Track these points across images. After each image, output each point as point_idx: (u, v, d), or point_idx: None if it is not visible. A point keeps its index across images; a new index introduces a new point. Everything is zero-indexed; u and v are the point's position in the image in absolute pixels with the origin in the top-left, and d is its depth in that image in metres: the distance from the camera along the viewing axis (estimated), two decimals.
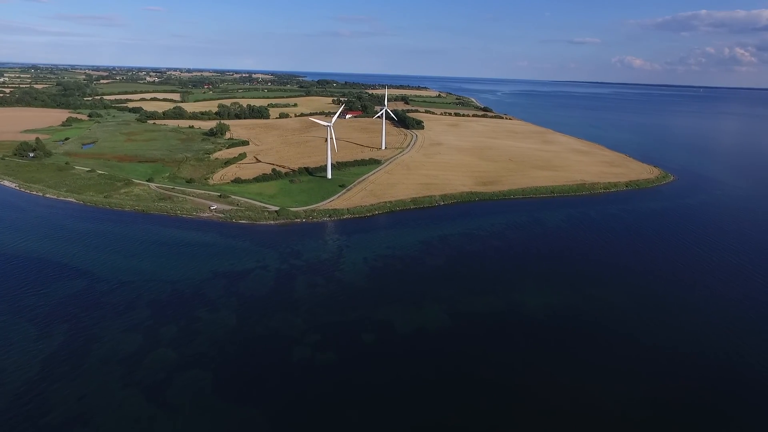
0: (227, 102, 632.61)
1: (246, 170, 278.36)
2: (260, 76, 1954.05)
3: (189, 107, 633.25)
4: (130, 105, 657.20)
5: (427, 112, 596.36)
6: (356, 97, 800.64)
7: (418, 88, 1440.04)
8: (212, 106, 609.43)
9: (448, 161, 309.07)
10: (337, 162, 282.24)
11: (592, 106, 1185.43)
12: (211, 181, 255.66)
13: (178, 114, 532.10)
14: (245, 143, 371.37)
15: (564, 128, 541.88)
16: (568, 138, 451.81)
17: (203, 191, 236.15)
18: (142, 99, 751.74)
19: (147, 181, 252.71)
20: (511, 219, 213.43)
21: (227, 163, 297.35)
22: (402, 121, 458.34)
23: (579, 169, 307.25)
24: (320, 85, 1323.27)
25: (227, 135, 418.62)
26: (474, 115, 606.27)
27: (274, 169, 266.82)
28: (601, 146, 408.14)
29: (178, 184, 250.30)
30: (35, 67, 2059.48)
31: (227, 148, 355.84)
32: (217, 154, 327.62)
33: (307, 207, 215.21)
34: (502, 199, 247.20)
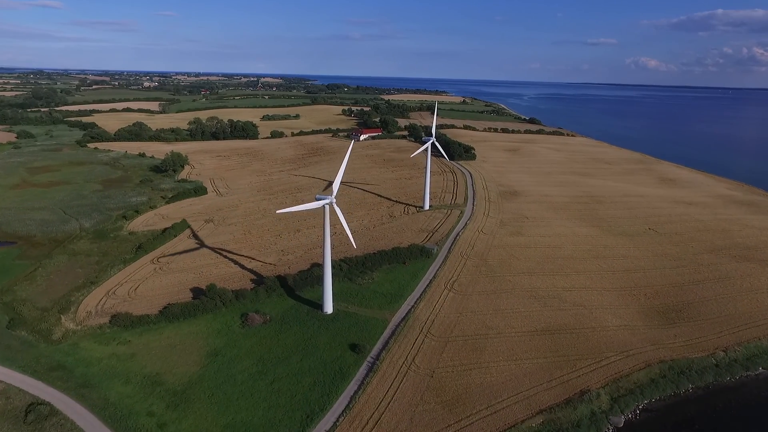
0: (206, 115, 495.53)
1: (162, 277, 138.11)
2: (268, 80, 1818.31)
3: (160, 122, 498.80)
4: (94, 117, 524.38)
5: (466, 128, 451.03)
6: (372, 106, 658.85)
7: (437, 92, 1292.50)
8: (191, 118, 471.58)
9: (554, 242, 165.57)
10: (346, 258, 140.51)
11: (644, 113, 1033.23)
12: (64, 325, 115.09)
13: (135, 134, 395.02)
14: (200, 191, 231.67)
15: (648, 148, 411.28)
16: (691, 172, 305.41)
17: (19, 373, 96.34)
18: (113, 110, 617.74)
19: None
20: None
21: (140, 248, 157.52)
22: (444, 147, 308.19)
23: None
24: (330, 89, 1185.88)
25: (184, 171, 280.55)
26: (527, 131, 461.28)
27: (211, 288, 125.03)
28: (758, 190, 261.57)
29: None
30: (40, 72, 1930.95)
31: (168, 202, 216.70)
32: (136, 222, 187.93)
33: None
34: (744, 377, 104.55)
